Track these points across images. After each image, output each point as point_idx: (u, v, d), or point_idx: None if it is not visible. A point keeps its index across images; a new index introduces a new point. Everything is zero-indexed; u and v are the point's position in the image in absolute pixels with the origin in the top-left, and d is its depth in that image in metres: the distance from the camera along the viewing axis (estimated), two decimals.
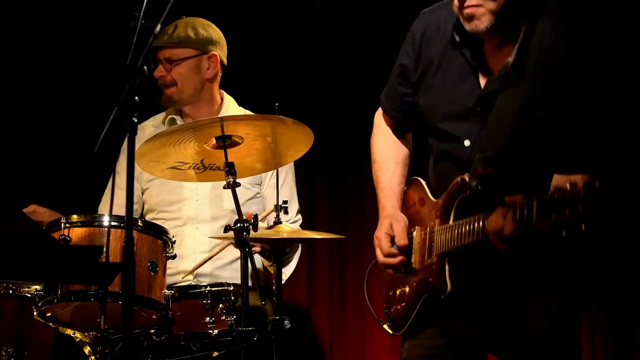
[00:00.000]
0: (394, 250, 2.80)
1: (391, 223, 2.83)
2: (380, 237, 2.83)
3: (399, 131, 3.03)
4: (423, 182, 2.89)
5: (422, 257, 2.73)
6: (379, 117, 3.08)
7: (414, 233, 2.80)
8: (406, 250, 2.79)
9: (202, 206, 3.85)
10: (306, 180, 4.78)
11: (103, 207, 3.99)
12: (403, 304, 2.84)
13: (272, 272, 3.63)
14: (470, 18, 2.59)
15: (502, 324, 2.68)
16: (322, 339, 4.71)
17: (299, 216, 3.96)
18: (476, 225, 2.52)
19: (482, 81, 2.69)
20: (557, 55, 2.59)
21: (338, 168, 4.83)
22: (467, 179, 2.62)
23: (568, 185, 2.23)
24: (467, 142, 2.69)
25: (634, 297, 4.23)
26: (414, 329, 2.83)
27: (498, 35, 2.63)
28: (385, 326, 2.95)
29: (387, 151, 3.00)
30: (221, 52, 3.95)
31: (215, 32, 3.95)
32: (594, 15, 2.68)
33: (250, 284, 3.07)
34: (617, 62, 2.68)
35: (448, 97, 2.74)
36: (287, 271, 3.87)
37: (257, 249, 3.46)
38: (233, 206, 3.66)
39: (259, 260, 3.73)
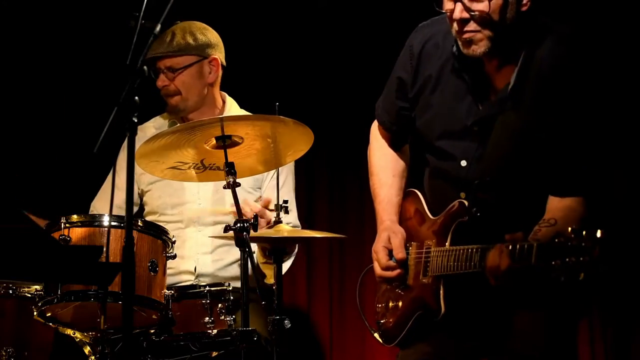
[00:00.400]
0: (392, 263, 2.81)
1: (389, 236, 2.84)
2: (378, 250, 2.85)
3: (395, 143, 3.04)
4: (420, 196, 2.90)
5: (417, 275, 2.75)
6: (375, 129, 3.10)
7: (410, 249, 2.81)
8: (403, 265, 2.81)
9: (203, 209, 3.84)
10: (306, 180, 4.78)
11: (98, 204, 3.97)
12: (395, 318, 2.86)
13: (265, 271, 3.65)
14: (469, 43, 2.61)
15: (495, 341, 2.69)
16: (322, 339, 4.71)
17: (298, 222, 3.94)
18: (473, 257, 2.55)
19: (481, 101, 2.70)
20: (556, 79, 2.60)
21: (338, 168, 4.83)
22: (465, 203, 2.65)
23: (570, 231, 2.25)
24: (463, 163, 2.72)
25: (633, 298, 4.23)
26: (406, 342, 2.85)
27: (497, 57, 2.65)
28: (376, 335, 2.96)
29: (385, 164, 3.02)
30: (220, 54, 3.94)
31: (212, 35, 3.93)
32: (594, 37, 2.69)
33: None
34: (614, 84, 2.71)
35: (446, 115, 2.76)
36: (285, 265, 3.85)
37: (266, 220, 3.44)
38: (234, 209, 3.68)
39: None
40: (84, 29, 4.62)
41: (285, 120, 3.06)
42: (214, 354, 3.24)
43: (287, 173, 3.93)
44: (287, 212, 3.36)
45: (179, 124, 3.67)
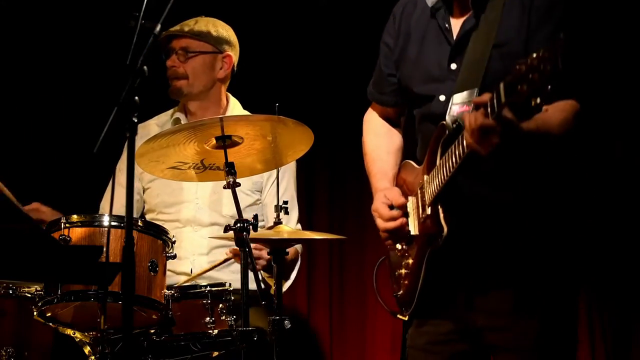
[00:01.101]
0: (394, 212, 2.79)
1: (385, 194, 2.84)
2: (377, 206, 2.83)
3: (388, 118, 3.06)
4: (412, 162, 2.91)
5: (419, 218, 2.74)
6: (368, 115, 3.11)
7: (409, 203, 2.80)
8: (406, 215, 2.79)
9: (201, 210, 3.84)
10: (306, 180, 4.78)
11: (104, 206, 3.99)
12: (409, 278, 2.81)
13: (269, 282, 3.64)
14: None
15: (501, 301, 2.66)
16: (322, 339, 4.71)
17: (299, 225, 3.94)
18: (457, 146, 2.51)
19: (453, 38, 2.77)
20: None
21: (338, 168, 4.83)
22: (444, 123, 2.64)
23: (522, 61, 2.22)
24: (442, 97, 2.73)
25: (633, 297, 4.23)
26: (421, 311, 2.79)
27: None
28: (399, 315, 2.92)
29: (379, 142, 3.03)
30: (235, 55, 3.97)
31: (233, 36, 3.98)
32: None
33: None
34: None
35: (424, 62, 2.81)
36: (286, 285, 3.85)
37: (263, 262, 3.46)
38: (232, 212, 3.68)
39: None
40: (84, 29, 4.62)
41: (285, 120, 3.06)
42: (215, 354, 3.24)
43: (288, 178, 3.92)
44: (287, 212, 3.37)
45: (179, 124, 3.68)
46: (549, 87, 2.18)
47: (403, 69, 2.89)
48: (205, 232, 3.80)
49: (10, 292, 3.29)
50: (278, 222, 3.40)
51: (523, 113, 2.33)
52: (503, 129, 2.35)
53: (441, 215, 2.61)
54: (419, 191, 2.75)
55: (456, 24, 2.78)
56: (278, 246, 3.30)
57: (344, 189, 4.83)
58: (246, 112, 3.99)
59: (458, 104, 2.64)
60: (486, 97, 2.38)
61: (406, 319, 2.88)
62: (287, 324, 3.09)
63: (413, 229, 2.78)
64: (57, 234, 3.02)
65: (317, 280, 4.77)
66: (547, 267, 2.67)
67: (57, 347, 3.42)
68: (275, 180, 3.69)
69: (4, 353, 3.26)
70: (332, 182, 4.85)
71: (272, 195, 3.85)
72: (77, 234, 3.05)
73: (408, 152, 3.02)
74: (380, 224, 2.82)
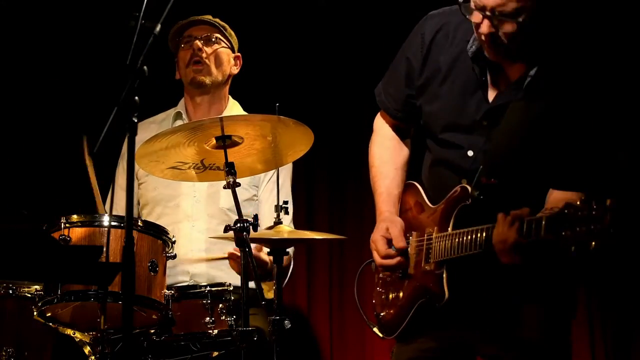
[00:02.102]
0: (391, 251, 2.80)
1: (387, 226, 2.83)
2: (377, 239, 2.84)
3: (399, 131, 3.03)
4: (419, 187, 2.89)
5: (419, 263, 2.74)
6: (379, 121, 3.08)
7: (411, 238, 2.80)
8: (404, 254, 2.80)
9: (198, 203, 3.84)
10: (306, 180, 4.78)
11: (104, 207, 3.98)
12: (396, 309, 2.84)
13: (264, 286, 3.65)
14: (491, 50, 2.63)
15: (496, 331, 2.68)
16: (322, 339, 4.71)
17: (292, 225, 3.92)
18: (479, 235, 2.52)
19: (491, 96, 2.70)
20: (570, 82, 2.62)
21: (338, 168, 4.83)
22: (468, 188, 2.63)
23: (579, 202, 2.23)
24: (470, 153, 2.70)
25: (634, 298, 4.23)
26: (405, 336, 2.83)
27: (514, 59, 2.66)
28: (375, 329, 2.94)
29: (387, 157, 3.01)
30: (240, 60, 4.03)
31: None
32: (610, 44, 2.71)
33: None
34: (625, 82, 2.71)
35: (454, 108, 2.75)
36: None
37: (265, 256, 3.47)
38: (229, 204, 3.68)
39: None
40: (84, 29, 4.62)
41: (285, 120, 3.06)
42: (215, 354, 3.24)
43: (284, 176, 3.91)
44: (287, 212, 3.36)
45: (179, 125, 3.67)
46: (593, 244, 2.20)
47: (427, 103, 2.83)
48: (203, 226, 3.79)
49: (10, 292, 3.28)
50: (278, 222, 3.40)
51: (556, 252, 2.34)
52: (534, 252, 2.38)
53: (445, 280, 2.62)
54: (425, 239, 2.74)
55: (500, 79, 2.70)
56: (278, 246, 3.30)
57: (344, 189, 4.83)
58: (246, 113, 4.00)
59: (484, 175, 2.63)
60: (524, 214, 2.38)
61: (382, 336, 2.90)
62: (287, 323, 3.09)
63: (411, 268, 2.78)
64: (57, 234, 3.01)
65: (317, 280, 4.77)
66: (541, 302, 2.69)
67: (57, 347, 3.41)
68: (273, 178, 3.70)
69: (4, 353, 3.26)
70: (332, 182, 4.85)
71: (267, 192, 3.86)
72: (77, 234, 3.04)
73: (412, 164, 3.02)
74: (377, 258, 2.84)
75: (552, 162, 2.62)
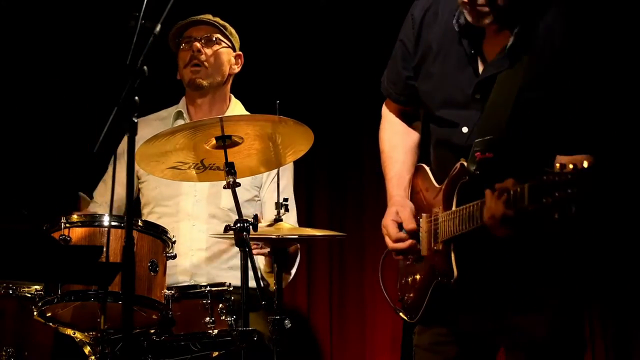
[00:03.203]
0: (402, 234, 2.79)
1: (397, 210, 2.83)
2: (387, 223, 2.83)
3: (407, 119, 3.03)
4: (427, 169, 2.89)
5: (430, 244, 2.74)
6: (385, 109, 3.08)
7: (421, 221, 2.80)
8: (415, 237, 2.79)
9: (199, 202, 3.83)
10: (306, 180, 4.78)
11: (99, 195, 3.98)
12: (415, 292, 2.84)
13: (268, 280, 3.64)
14: (477, 16, 2.62)
15: (508, 316, 2.67)
16: (322, 339, 4.71)
17: (297, 224, 3.93)
18: (475, 213, 2.52)
19: (481, 69, 2.70)
20: (555, 39, 2.61)
21: (338, 168, 4.83)
22: (465, 164, 2.63)
23: (558, 168, 2.22)
24: (465, 129, 2.71)
25: (634, 297, 4.23)
26: (427, 319, 2.81)
27: (498, 23, 2.65)
28: (402, 314, 2.93)
29: (396, 141, 3.00)
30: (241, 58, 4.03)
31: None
32: (594, 4, 2.69)
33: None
34: (615, 47, 2.68)
35: (447, 85, 2.76)
36: (287, 279, 3.84)
37: (264, 251, 3.47)
38: (230, 205, 3.67)
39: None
40: (84, 29, 4.62)
41: (285, 120, 3.06)
42: (215, 354, 3.24)
43: (287, 177, 3.91)
44: (287, 209, 3.37)
45: (179, 125, 3.67)
46: (574, 209, 2.18)
47: (422, 83, 2.84)
48: (203, 226, 3.79)
49: (10, 292, 3.29)
50: (278, 219, 3.40)
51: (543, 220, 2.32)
52: (523, 222, 2.37)
53: (453, 259, 2.62)
54: (432, 219, 2.74)
55: (487, 52, 2.70)
56: (278, 244, 3.31)
57: (344, 188, 4.83)
58: (247, 113, 3.99)
59: (479, 149, 2.62)
60: (509, 185, 2.37)
61: (407, 320, 2.89)
62: (287, 323, 3.09)
63: (422, 249, 2.78)
64: (57, 234, 3.01)
65: (317, 280, 4.77)
66: (556, 288, 2.67)
67: (57, 347, 3.41)
68: (275, 178, 3.69)
69: (4, 353, 3.26)
70: (332, 182, 4.85)
71: (270, 192, 3.85)
72: (77, 234, 3.04)
73: (423, 147, 3.01)
74: (388, 242, 2.84)
75: (550, 129, 2.60)
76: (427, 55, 2.81)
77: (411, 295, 2.86)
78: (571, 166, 2.20)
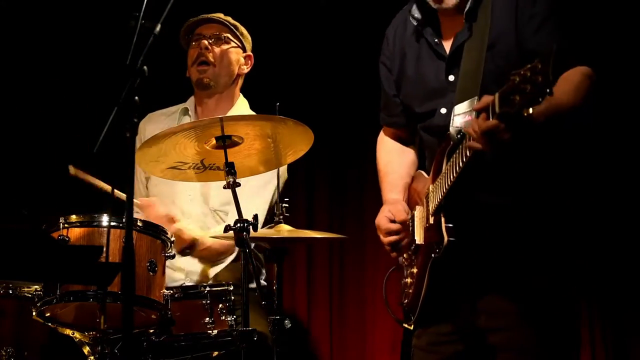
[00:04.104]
0: (392, 225, 2.83)
1: (389, 208, 2.88)
2: (378, 221, 2.88)
3: (401, 139, 3.10)
4: (422, 172, 2.94)
5: (424, 228, 2.74)
6: (380, 137, 3.16)
7: (415, 212, 2.81)
8: (406, 229, 2.82)
9: (193, 201, 3.84)
10: (306, 180, 4.78)
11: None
12: (414, 286, 2.83)
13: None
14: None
15: (501, 294, 2.66)
16: (322, 339, 4.71)
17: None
18: (460, 153, 2.52)
19: (446, 52, 2.79)
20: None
21: (338, 168, 4.83)
22: (449, 133, 2.67)
23: (524, 66, 2.22)
24: (443, 110, 2.76)
25: (633, 298, 4.23)
26: (425, 317, 2.81)
27: (453, 7, 2.76)
28: (405, 325, 2.92)
29: (390, 158, 3.08)
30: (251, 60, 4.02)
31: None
32: None
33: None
34: None
35: (422, 79, 2.84)
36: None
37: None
38: (217, 205, 3.71)
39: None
40: (84, 29, 4.62)
41: (286, 120, 3.06)
42: (215, 354, 3.24)
43: (268, 182, 3.83)
44: (286, 212, 3.37)
45: (180, 125, 3.67)
46: (541, 99, 2.18)
47: (403, 88, 2.93)
48: (197, 223, 3.78)
49: (10, 292, 3.29)
50: (278, 221, 3.40)
51: (517, 123, 2.33)
52: (507, 125, 2.35)
53: (443, 225, 2.62)
54: (424, 200, 2.76)
55: (447, 36, 2.80)
56: (278, 245, 3.30)
57: (344, 189, 4.83)
58: (252, 112, 3.99)
59: (460, 114, 2.66)
60: (484, 101, 2.39)
61: (411, 328, 2.89)
62: (287, 323, 3.09)
63: (418, 238, 2.79)
64: (56, 234, 3.01)
65: (317, 280, 4.77)
66: (547, 269, 2.67)
67: (56, 347, 3.41)
68: (254, 183, 3.67)
69: (4, 353, 3.26)
70: (332, 182, 4.85)
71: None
72: (75, 234, 3.04)
73: (422, 166, 3.04)
74: (382, 238, 2.87)
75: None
76: (404, 63, 2.92)
77: (410, 291, 2.86)
78: (535, 60, 2.20)
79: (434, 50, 2.81)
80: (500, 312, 2.67)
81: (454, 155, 2.57)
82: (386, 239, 2.86)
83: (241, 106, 3.99)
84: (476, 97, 2.62)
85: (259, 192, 3.80)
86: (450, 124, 2.67)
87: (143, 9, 2.47)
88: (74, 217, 3.06)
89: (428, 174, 2.85)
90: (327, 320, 4.71)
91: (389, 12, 4.52)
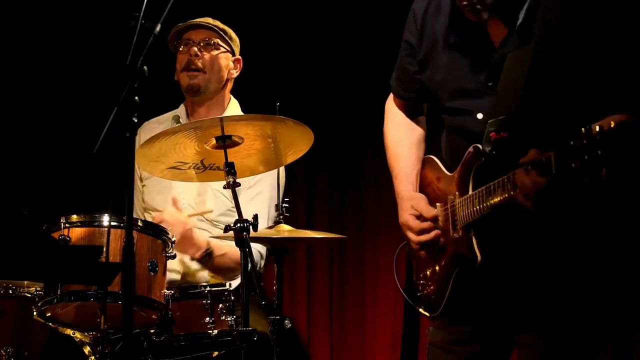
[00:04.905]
0: (425, 224, 2.74)
1: (411, 204, 2.79)
2: (406, 219, 2.79)
3: (411, 113, 3.01)
4: (436, 159, 2.86)
5: (448, 232, 2.70)
6: (389, 103, 3.05)
7: (436, 210, 2.77)
8: (435, 225, 2.75)
9: (185, 210, 3.82)
10: (306, 180, 4.79)
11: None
12: (435, 285, 2.79)
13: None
14: (474, 12, 2.61)
15: (531, 310, 2.63)
16: (322, 339, 4.71)
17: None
18: (497, 190, 2.48)
19: (488, 55, 2.67)
20: (560, 13, 2.57)
21: (338, 168, 4.84)
22: (480, 147, 2.60)
23: (583, 131, 2.17)
24: (480, 115, 2.66)
25: (633, 298, 4.23)
26: (449, 308, 2.75)
27: (497, 15, 2.63)
28: (421, 309, 2.89)
29: (400, 135, 2.98)
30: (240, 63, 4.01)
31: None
32: None
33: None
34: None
35: (458, 74, 2.72)
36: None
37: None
38: (213, 215, 3.71)
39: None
40: (84, 29, 4.62)
41: (286, 120, 3.06)
42: (215, 354, 3.24)
43: (269, 183, 3.84)
44: (286, 212, 3.36)
45: (179, 124, 3.67)
46: (605, 170, 2.15)
47: (431, 75, 2.81)
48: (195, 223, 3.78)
49: (10, 292, 3.29)
50: (278, 221, 3.40)
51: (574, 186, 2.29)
52: (554, 190, 2.33)
53: (474, 242, 2.58)
54: (449, 207, 2.71)
55: (494, 37, 2.67)
56: (278, 246, 3.30)
57: (344, 189, 4.83)
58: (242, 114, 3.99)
59: (493, 129, 2.59)
60: (535, 156, 2.34)
61: (428, 315, 2.86)
62: (287, 323, 3.09)
63: (441, 239, 2.74)
64: (57, 234, 3.01)
65: (317, 280, 4.77)
66: (582, 293, 2.62)
67: (56, 347, 3.41)
68: (251, 185, 3.66)
69: (4, 353, 3.26)
70: (332, 182, 4.85)
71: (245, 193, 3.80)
72: (76, 234, 3.04)
73: (430, 141, 2.99)
74: (413, 237, 2.77)
75: (563, 100, 2.54)
76: (434, 47, 2.79)
77: (431, 288, 2.81)
78: (597, 128, 2.15)
79: (476, 47, 2.68)
80: (528, 328, 2.64)
81: (490, 186, 2.51)
82: (420, 238, 2.75)
83: (233, 108, 3.99)
84: (511, 113, 2.56)
85: (258, 195, 3.81)
86: (484, 137, 2.59)
87: (143, 9, 2.46)
88: (74, 217, 3.06)
89: (444, 164, 2.80)
90: (327, 320, 4.71)
91: (389, 12, 4.54)
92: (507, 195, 2.45)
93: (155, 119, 4.05)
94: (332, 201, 4.83)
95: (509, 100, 2.59)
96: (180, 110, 4.00)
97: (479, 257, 2.55)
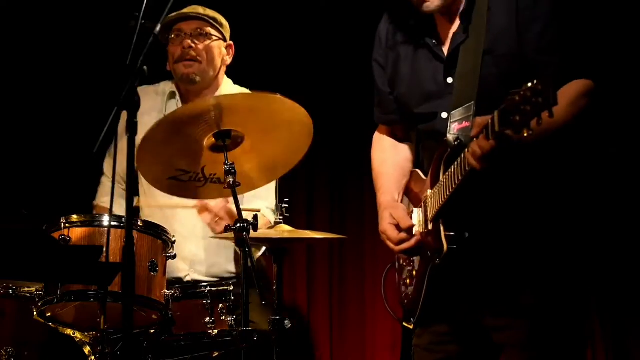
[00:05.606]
0: (403, 235, 2.77)
1: (390, 213, 2.82)
2: (385, 228, 2.82)
3: (396, 136, 3.07)
4: (418, 171, 2.92)
5: (422, 232, 2.73)
6: (376, 135, 3.13)
7: (414, 214, 2.80)
8: (413, 234, 2.78)
9: (191, 216, 3.81)
10: (306, 180, 4.78)
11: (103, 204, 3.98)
12: (414, 288, 2.83)
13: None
14: (422, 2, 2.71)
15: (503, 295, 2.65)
16: (322, 339, 4.71)
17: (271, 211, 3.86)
18: (459, 164, 2.51)
19: (443, 54, 2.77)
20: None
21: (338, 168, 4.84)
22: (446, 139, 2.64)
23: (523, 86, 2.21)
24: (444, 114, 2.73)
25: (633, 297, 4.23)
26: (425, 317, 2.80)
27: (448, 9, 2.74)
28: (405, 323, 2.91)
29: (384, 157, 3.04)
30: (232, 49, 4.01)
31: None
32: None
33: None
34: None
35: (419, 80, 2.81)
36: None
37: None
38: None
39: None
40: (84, 29, 4.62)
41: (283, 100, 3.00)
42: (215, 354, 3.24)
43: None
44: (286, 212, 3.36)
45: (172, 111, 3.55)
46: (541, 122, 2.17)
47: (399, 88, 2.90)
48: (203, 233, 3.78)
49: (10, 292, 3.29)
50: (278, 222, 3.40)
51: (516, 142, 2.32)
52: (505, 145, 2.35)
53: (442, 232, 2.61)
54: (422, 205, 2.75)
55: (445, 38, 2.78)
56: (278, 246, 3.30)
57: (344, 189, 4.83)
58: (237, 87, 3.98)
59: (456, 120, 2.64)
60: (483, 122, 2.38)
61: (411, 327, 2.88)
62: (287, 323, 3.09)
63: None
64: (57, 234, 3.01)
65: (317, 280, 4.77)
66: (552, 270, 2.65)
67: (56, 347, 3.42)
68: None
69: (4, 353, 3.26)
70: (332, 182, 4.85)
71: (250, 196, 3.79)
72: (76, 234, 3.04)
73: (418, 164, 3.02)
74: (392, 246, 2.81)
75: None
76: (398, 62, 2.89)
77: (409, 291, 2.85)
78: (535, 81, 2.19)
79: (431, 50, 2.79)
80: (502, 312, 2.67)
81: (453, 166, 2.55)
82: (399, 247, 2.79)
83: (227, 86, 3.98)
84: (473, 102, 2.61)
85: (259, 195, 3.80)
86: (448, 131, 2.65)
87: (143, 9, 2.46)
88: (75, 217, 3.06)
89: (426, 176, 2.84)
90: (327, 320, 4.71)
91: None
92: (463, 171, 2.48)
93: (151, 87, 4.02)
94: (332, 201, 4.83)
95: (467, 90, 2.65)
96: (175, 88, 3.98)
97: (445, 247, 2.58)
